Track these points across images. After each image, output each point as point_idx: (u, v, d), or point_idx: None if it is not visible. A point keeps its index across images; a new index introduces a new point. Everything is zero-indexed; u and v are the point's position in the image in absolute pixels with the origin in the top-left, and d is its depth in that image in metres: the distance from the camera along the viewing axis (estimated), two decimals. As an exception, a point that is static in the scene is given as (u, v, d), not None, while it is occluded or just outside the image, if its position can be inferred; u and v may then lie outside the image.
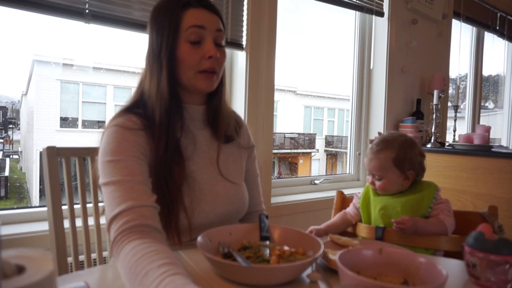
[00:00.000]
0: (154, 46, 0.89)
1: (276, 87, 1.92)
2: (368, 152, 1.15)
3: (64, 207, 1.06)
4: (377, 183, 1.11)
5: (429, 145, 2.41)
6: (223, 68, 0.95)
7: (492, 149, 2.17)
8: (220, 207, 0.93)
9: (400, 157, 1.08)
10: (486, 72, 3.73)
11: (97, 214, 1.13)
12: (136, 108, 0.91)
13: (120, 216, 0.72)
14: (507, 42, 3.83)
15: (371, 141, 1.19)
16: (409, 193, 1.10)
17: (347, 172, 2.59)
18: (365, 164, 1.16)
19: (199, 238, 0.74)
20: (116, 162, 0.79)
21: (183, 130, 0.93)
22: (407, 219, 1.00)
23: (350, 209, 1.21)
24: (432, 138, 2.45)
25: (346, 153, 2.63)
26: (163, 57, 0.88)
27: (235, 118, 1.07)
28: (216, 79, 0.92)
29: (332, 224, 1.18)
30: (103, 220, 1.13)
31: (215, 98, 0.98)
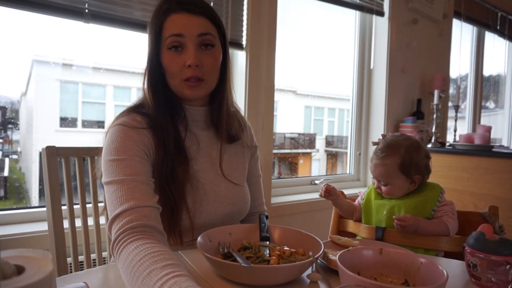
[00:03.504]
0: (147, 52, 0.91)
1: (276, 87, 1.92)
2: (373, 158, 1.14)
3: (63, 207, 1.06)
4: (383, 188, 1.10)
5: (429, 145, 2.41)
6: (213, 71, 0.90)
7: (493, 149, 2.17)
8: (222, 207, 0.93)
9: (406, 163, 1.07)
10: (486, 72, 3.73)
11: (97, 214, 1.12)
12: (142, 107, 0.91)
13: (122, 216, 0.72)
14: (507, 42, 3.83)
15: (374, 144, 1.18)
16: (413, 195, 1.10)
17: (347, 172, 2.59)
18: (370, 169, 1.15)
19: (199, 239, 0.74)
20: (119, 161, 0.79)
21: (186, 131, 0.93)
22: (409, 217, 1.00)
23: (356, 203, 1.22)
24: (433, 138, 2.45)
25: (346, 153, 2.63)
26: (148, 63, 0.89)
27: (239, 118, 1.06)
28: (205, 85, 0.89)
29: (343, 198, 1.20)
30: (102, 221, 1.13)
31: (217, 99, 0.96)
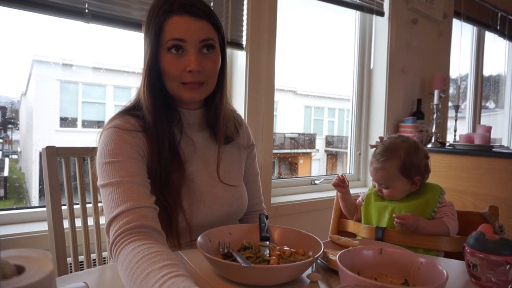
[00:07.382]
0: (143, 51, 0.89)
1: (276, 87, 1.92)
2: (373, 161, 1.14)
3: (63, 207, 1.06)
4: (385, 191, 1.11)
5: (429, 145, 2.41)
6: (213, 74, 0.90)
7: (493, 149, 2.17)
8: (218, 208, 0.93)
9: (406, 165, 1.07)
10: (486, 72, 3.73)
11: (97, 214, 1.12)
12: (135, 110, 0.90)
13: (119, 217, 0.71)
14: (507, 41, 3.83)
15: (372, 146, 1.18)
16: (413, 197, 1.10)
17: (347, 172, 2.59)
18: (370, 173, 1.15)
19: (199, 238, 0.74)
20: (114, 163, 0.78)
21: (181, 134, 0.92)
22: (409, 216, 1.00)
23: (357, 203, 1.23)
24: (433, 138, 2.45)
25: (346, 153, 2.63)
26: (145, 64, 0.87)
27: (235, 117, 1.05)
28: (205, 88, 0.88)
29: (351, 195, 1.21)
30: (102, 220, 1.13)
31: (214, 101, 0.95)
